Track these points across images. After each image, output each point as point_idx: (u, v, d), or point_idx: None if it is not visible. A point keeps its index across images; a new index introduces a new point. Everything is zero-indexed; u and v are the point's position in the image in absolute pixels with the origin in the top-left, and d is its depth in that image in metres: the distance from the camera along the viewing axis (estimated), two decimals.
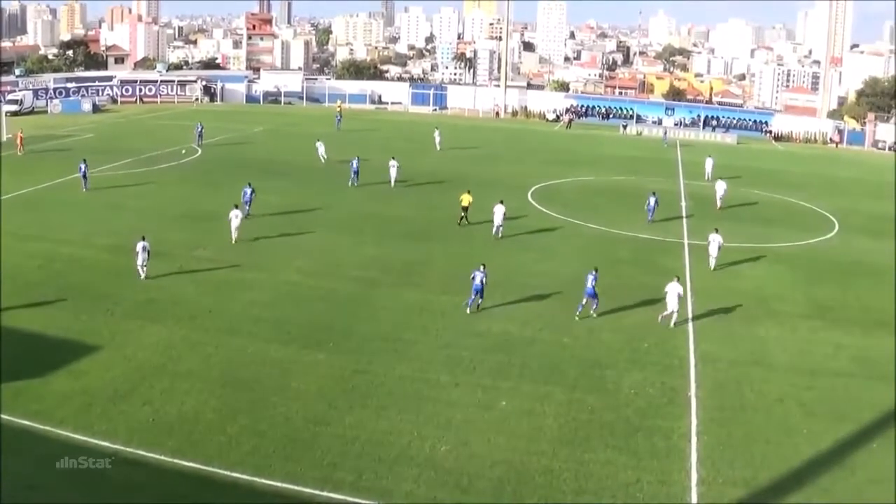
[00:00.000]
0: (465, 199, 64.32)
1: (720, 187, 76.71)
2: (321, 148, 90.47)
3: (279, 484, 27.26)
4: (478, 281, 44.93)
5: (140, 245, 46.50)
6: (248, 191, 63.28)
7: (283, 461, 28.64)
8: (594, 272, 44.97)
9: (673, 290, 44.49)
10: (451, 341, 40.41)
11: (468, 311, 45.06)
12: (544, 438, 31.41)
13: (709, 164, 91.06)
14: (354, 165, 75.64)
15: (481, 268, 45.21)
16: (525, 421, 32.71)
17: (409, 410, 32.92)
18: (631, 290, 49.72)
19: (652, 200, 67.97)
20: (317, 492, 26.94)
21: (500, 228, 61.08)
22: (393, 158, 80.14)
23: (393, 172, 79.11)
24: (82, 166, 70.31)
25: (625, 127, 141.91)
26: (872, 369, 39.91)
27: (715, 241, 55.62)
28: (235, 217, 56.14)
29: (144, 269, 46.79)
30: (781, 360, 40.42)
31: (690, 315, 45.65)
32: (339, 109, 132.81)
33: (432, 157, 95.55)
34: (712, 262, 55.44)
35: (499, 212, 61.00)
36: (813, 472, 30.05)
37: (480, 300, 45.30)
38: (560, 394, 35.20)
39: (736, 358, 40.28)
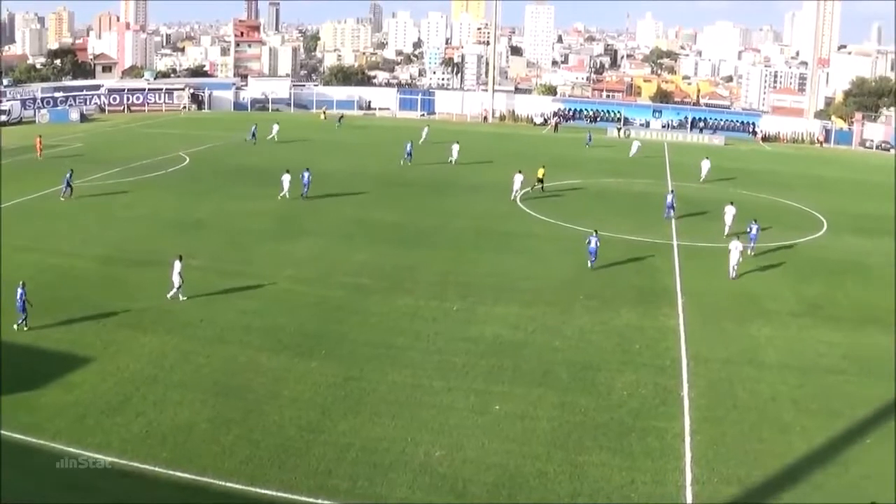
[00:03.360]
0: (540, 172, 79.75)
1: (705, 165, 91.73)
2: (275, 130, 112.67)
3: (274, 493, 27.26)
4: (592, 245, 53.98)
5: (177, 265, 45.34)
6: (307, 175, 73.05)
7: (277, 470, 28.65)
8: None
9: (735, 247, 53.57)
10: (443, 346, 40.41)
11: (590, 265, 53.98)
12: (538, 441, 31.49)
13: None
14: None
15: (594, 233, 54.64)
16: (518, 424, 32.78)
17: (403, 416, 32.97)
18: (621, 291, 49.94)
19: (669, 198, 71.41)
20: (312, 500, 26.98)
21: (518, 193, 75.73)
22: (456, 142, 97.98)
23: (454, 152, 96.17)
24: (67, 175, 71.09)
25: (619, 129, 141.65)
26: (864, 366, 40.13)
27: (730, 212, 64.49)
28: (286, 181, 71.43)
29: (180, 291, 45.55)
30: (773, 359, 40.59)
31: (681, 316, 45.84)
32: (324, 115, 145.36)
33: (418, 162, 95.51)
34: (726, 230, 63.24)
35: (517, 180, 75.90)
36: (807, 469, 30.23)
37: (594, 260, 54.02)
38: (553, 396, 35.29)
39: (728, 357, 40.41)
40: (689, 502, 27.92)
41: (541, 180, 79.27)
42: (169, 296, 45.50)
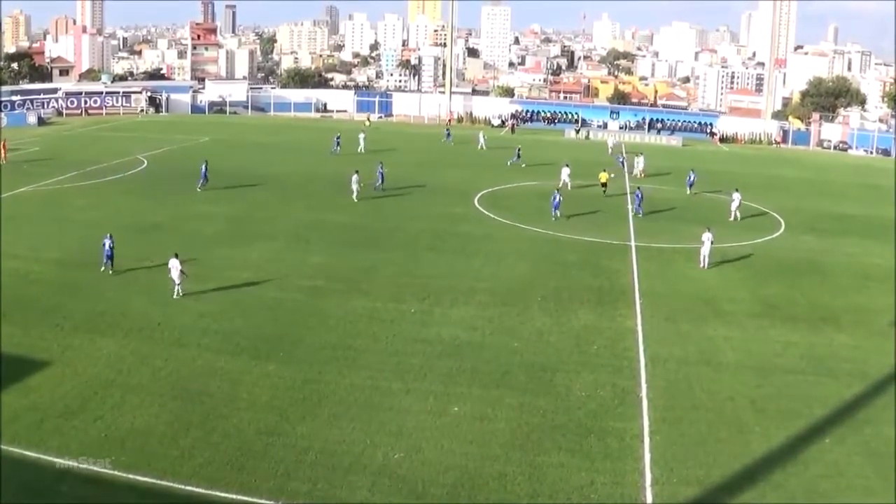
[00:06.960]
0: (603, 177, 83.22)
1: (639, 161, 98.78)
2: (362, 140, 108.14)
3: (233, 496, 27.11)
4: (556, 200, 68.14)
5: (172, 262, 46.16)
6: (380, 168, 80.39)
7: (236, 473, 28.51)
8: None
9: (707, 238, 56.20)
10: (400, 348, 40.36)
11: (553, 219, 67.29)
12: (497, 443, 31.47)
13: (610, 140, 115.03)
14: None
15: (557, 191, 69.94)
16: (477, 426, 32.77)
17: (361, 419, 32.89)
18: (578, 292, 50.05)
19: (638, 193, 74.33)
20: (271, 503, 26.88)
21: (569, 184, 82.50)
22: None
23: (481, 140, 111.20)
24: (204, 166, 78.72)
25: (577, 132, 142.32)
26: (821, 365, 40.40)
27: (737, 198, 73.17)
28: (356, 182, 74.08)
29: (179, 287, 46.48)
30: (731, 359, 40.74)
31: (639, 317, 46.00)
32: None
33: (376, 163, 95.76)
34: (736, 210, 73.09)
35: (565, 173, 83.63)
36: (765, 468, 30.31)
37: (556, 213, 68.06)
38: (511, 398, 35.29)
39: (685, 358, 40.52)
40: (649, 503, 28.01)
41: (604, 185, 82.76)
42: (182, 293, 46.55)
